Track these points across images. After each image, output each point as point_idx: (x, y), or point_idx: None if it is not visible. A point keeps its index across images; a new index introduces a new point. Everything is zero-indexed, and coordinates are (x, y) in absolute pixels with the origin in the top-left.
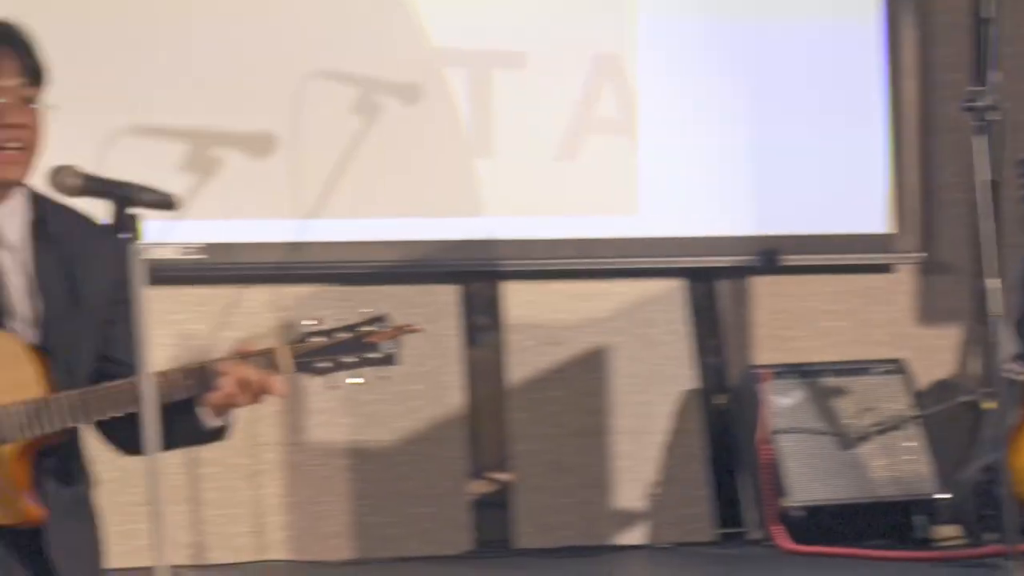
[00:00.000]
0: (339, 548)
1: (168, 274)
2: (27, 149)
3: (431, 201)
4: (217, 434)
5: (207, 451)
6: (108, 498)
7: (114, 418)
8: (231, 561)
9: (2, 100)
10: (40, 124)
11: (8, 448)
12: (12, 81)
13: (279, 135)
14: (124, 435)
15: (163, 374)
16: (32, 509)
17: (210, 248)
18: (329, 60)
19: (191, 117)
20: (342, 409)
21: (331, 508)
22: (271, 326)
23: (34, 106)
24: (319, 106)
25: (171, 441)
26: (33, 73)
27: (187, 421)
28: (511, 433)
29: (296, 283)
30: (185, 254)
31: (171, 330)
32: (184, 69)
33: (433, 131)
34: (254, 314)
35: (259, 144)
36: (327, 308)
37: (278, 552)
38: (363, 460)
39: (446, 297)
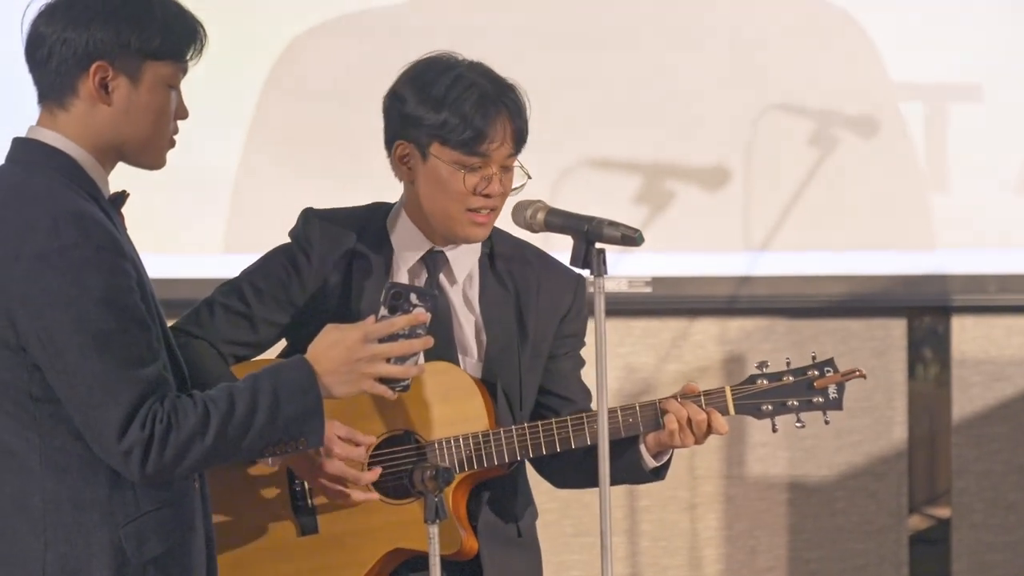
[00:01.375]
0: None
1: (615, 307)
2: (495, 211)
3: (882, 234)
4: (655, 474)
5: (646, 484)
6: (542, 529)
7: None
8: None
9: (491, 170)
10: (509, 187)
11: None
12: (503, 151)
13: (732, 167)
14: (559, 469)
15: (610, 411)
16: (467, 540)
17: (657, 282)
18: (786, 93)
19: (647, 151)
20: (782, 443)
21: (767, 542)
22: (717, 359)
23: (511, 169)
24: (774, 139)
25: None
26: (519, 141)
27: (627, 459)
28: (953, 469)
29: (743, 316)
30: (631, 288)
31: (617, 363)
32: (637, 101)
33: (887, 164)
34: (700, 347)
35: (713, 177)
36: (774, 342)
37: None
38: (801, 494)
39: (894, 331)
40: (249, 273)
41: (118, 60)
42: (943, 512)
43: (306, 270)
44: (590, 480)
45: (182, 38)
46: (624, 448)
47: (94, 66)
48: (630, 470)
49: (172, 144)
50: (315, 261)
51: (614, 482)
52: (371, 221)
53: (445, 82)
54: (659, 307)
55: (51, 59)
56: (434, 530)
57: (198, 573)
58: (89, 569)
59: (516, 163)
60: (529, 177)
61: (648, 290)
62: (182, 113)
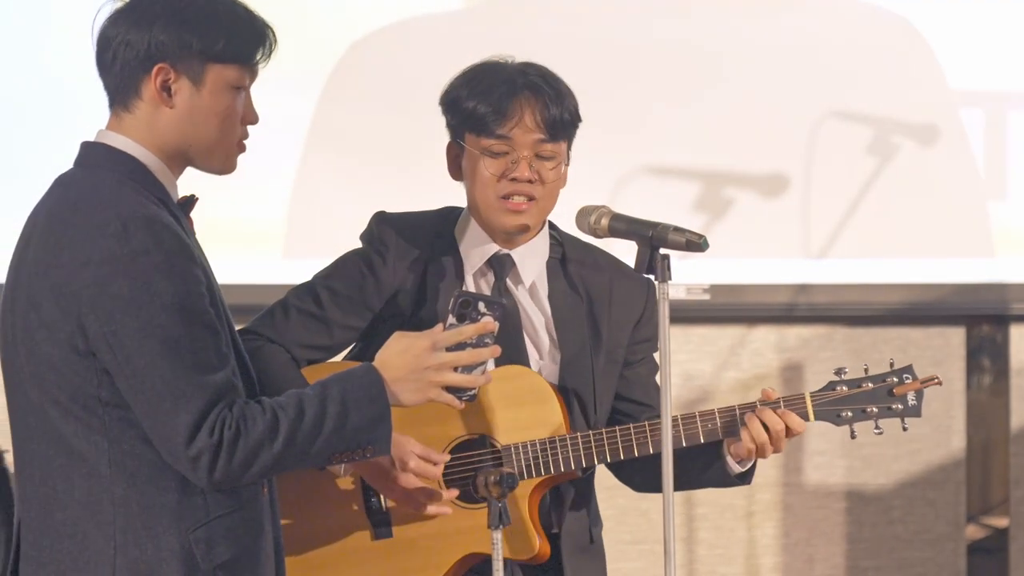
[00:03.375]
0: None
1: (673, 314)
2: (536, 199)
3: (940, 242)
4: (742, 479)
5: (703, 492)
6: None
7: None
8: None
9: (517, 154)
10: (553, 177)
11: (521, 485)
12: (528, 136)
13: (791, 175)
14: (639, 473)
15: (688, 418)
16: (542, 546)
17: (715, 289)
18: (846, 100)
19: (706, 157)
20: (839, 451)
21: (824, 551)
22: (775, 367)
23: (551, 158)
24: (834, 146)
25: (694, 482)
26: (552, 128)
27: (712, 464)
28: (1011, 478)
29: (801, 324)
30: (690, 295)
31: (675, 370)
32: (699, 108)
33: (946, 172)
34: (758, 355)
35: (771, 184)
36: (832, 350)
37: None
38: (858, 503)
39: (952, 340)
40: (324, 276)
41: (180, 62)
42: (1001, 521)
43: (382, 273)
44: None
45: (247, 41)
46: (708, 454)
47: (155, 68)
48: (716, 475)
49: (241, 148)
50: (390, 264)
51: (699, 486)
52: (442, 225)
53: (476, 75)
54: (717, 314)
55: (115, 62)
56: (497, 535)
57: None
58: (159, 573)
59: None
60: (566, 164)
61: (706, 297)
62: (250, 117)
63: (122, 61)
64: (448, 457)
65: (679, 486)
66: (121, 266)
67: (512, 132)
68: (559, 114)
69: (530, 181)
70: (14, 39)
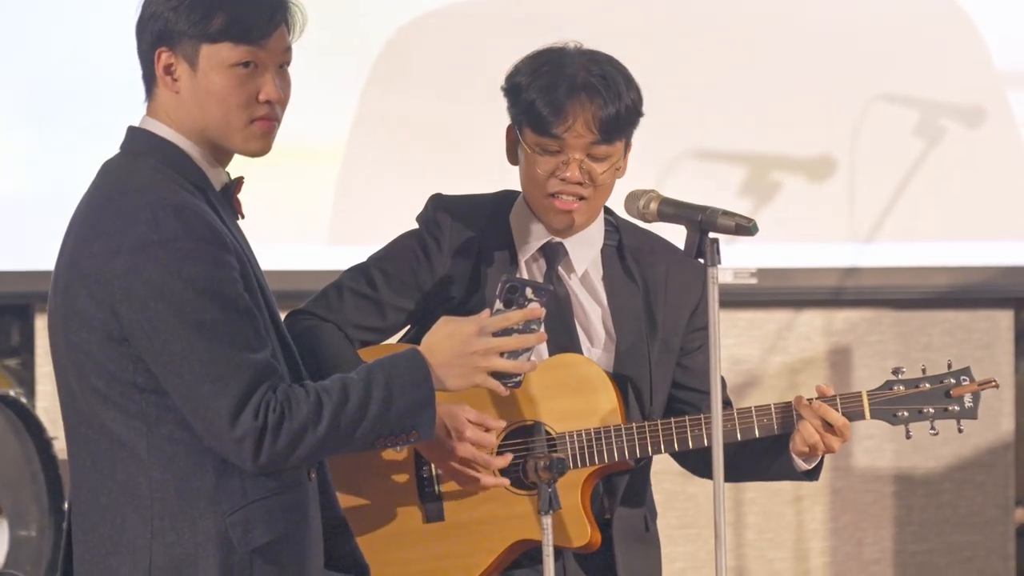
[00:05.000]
0: (880, 575)
1: (720, 298)
2: (585, 200)
3: (988, 225)
4: (809, 475)
5: None
6: None
7: None
8: None
9: (568, 155)
10: (605, 179)
11: (574, 473)
12: (580, 139)
13: (838, 158)
14: (702, 460)
15: (744, 412)
16: (593, 533)
17: (762, 273)
18: (892, 83)
19: (752, 141)
20: (888, 435)
21: (873, 534)
22: (823, 351)
23: (604, 160)
24: (880, 129)
25: (764, 475)
26: (607, 130)
27: (778, 458)
28: None
29: (849, 308)
30: (737, 279)
31: (723, 354)
32: (746, 92)
33: (994, 154)
34: (805, 339)
35: (818, 168)
36: (879, 334)
37: None
38: (907, 486)
39: (1000, 323)
40: (378, 258)
41: (178, 46)
42: None
43: (436, 256)
44: (734, 474)
45: (242, 19)
46: (775, 451)
47: (156, 53)
48: (783, 468)
49: (265, 127)
50: (445, 247)
51: (769, 478)
52: (498, 209)
53: (540, 65)
54: (764, 298)
55: (138, 49)
56: (547, 520)
57: (312, 563)
58: (195, 557)
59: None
60: (624, 156)
61: (753, 281)
62: (269, 94)
63: (139, 48)
64: (503, 424)
65: (749, 477)
66: (152, 253)
67: (564, 134)
68: (614, 114)
69: (579, 183)
70: (72, 22)
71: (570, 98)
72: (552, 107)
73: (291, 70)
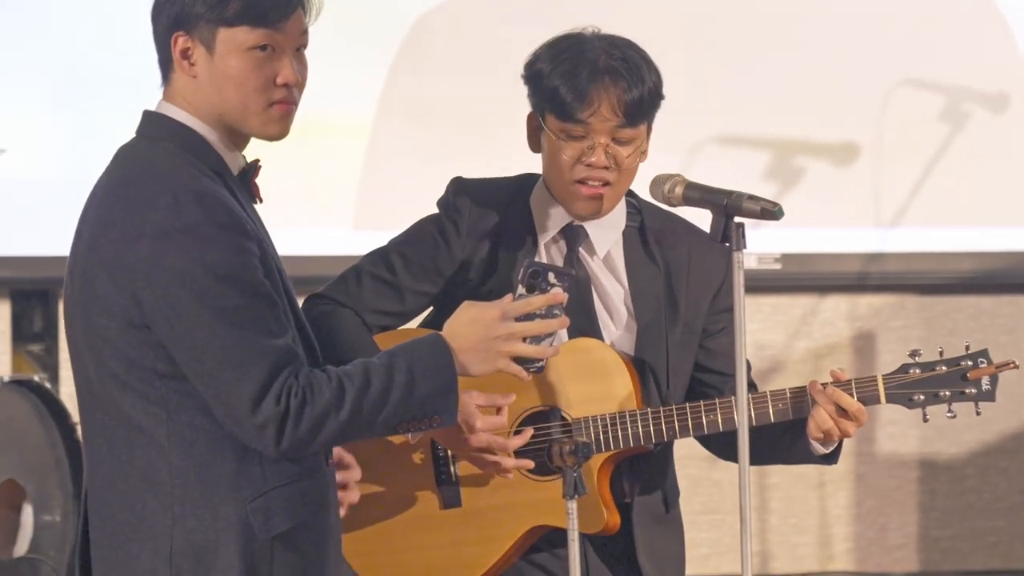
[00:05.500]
0: (904, 561)
1: (745, 283)
2: (610, 186)
3: (1013, 210)
4: (826, 459)
5: None
6: None
7: None
8: (794, 571)
9: (593, 140)
10: (629, 163)
11: (592, 458)
12: (605, 123)
13: (863, 143)
14: (725, 443)
15: (759, 398)
16: (610, 518)
17: (786, 258)
18: (917, 68)
19: (777, 126)
20: (912, 421)
21: (897, 520)
22: (847, 337)
23: (628, 144)
24: (905, 114)
25: (783, 458)
26: (631, 114)
27: (797, 441)
28: None
29: (873, 293)
30: (761, 264)
31: (747, 339)
32: (770, 77)
33: (1018, 140)
34: (829, 324)
35: (843, 153)
36: (904, 319)
37: (842, 563)
38: (931, 472)
39: None
40: (398, 243)
41: (194, 30)
42: None
43: (455, 240)
44: (755, 458)
45: (259, 2)
46: (792, 435)
47: (173, 37)
48: (801, 452)
49: (283, 110)
50: (464, 232)
51: (788, 462)
52: (518, 193)
53: (560, 52)
54: (788, 284)
55: (154, 35)
56: (572, 505)
57: (334, 550)
58: (216, 544)
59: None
60: (643, 154)
61: (778, 266)
62: (287, 77)
63: (155, 33)
64: (513, 397)
65: (769, 460)
66: (174, 239)
67: (590, 119)
68: (638, 97)
69: (605, 167)
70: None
71: (594, 82)
72: (576, 92)
73: (317, 53)
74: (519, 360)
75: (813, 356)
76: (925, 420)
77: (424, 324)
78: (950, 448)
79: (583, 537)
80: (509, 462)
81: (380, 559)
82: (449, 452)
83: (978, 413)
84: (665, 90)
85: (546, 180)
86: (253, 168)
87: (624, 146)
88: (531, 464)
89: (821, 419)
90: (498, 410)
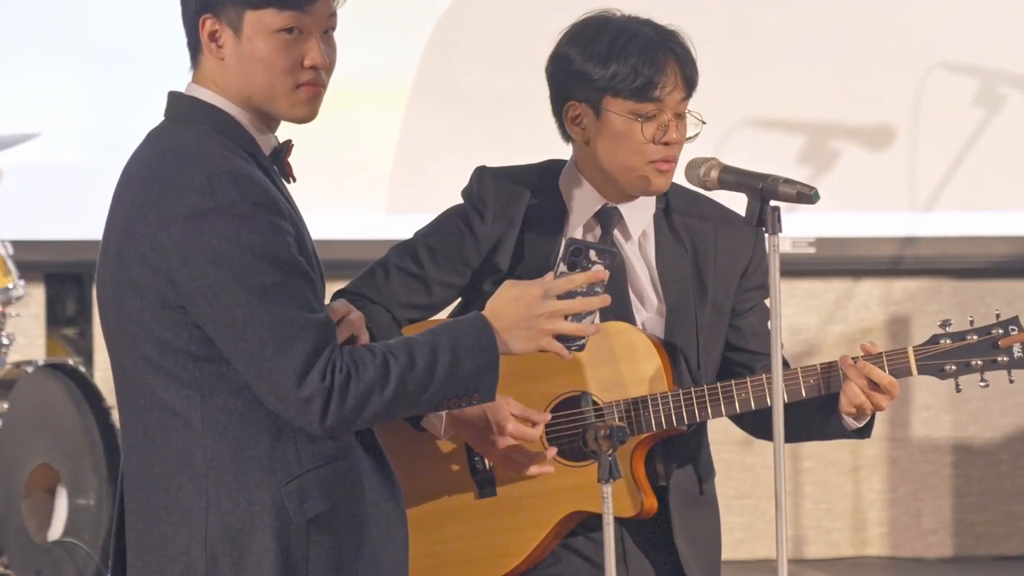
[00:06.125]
0: (938, 545)
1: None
2: (675, 160)
3: None
4: (859, 433)
5: (808, 446)
6: None
7: None
8: (828, 556)
9: (666, 116)
10: (684, 136)
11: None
12: (676, 97)
13: (897, 127)
14: (759, 422)
15: (790, 374)
16: (647, 501)
17: (821, 242)
18: (953, 51)
19: (811, 109)
20: (946, 405)
21: (931, 504)
22: (881, 321)
23: (685, 116)
24: (940, 98)
25: (816, 434)
26: (690, 86)
27: (830, 417)
28: None
29: (908, 277)
30: (795, 248)
31: (781, 324)
32: (805, 60)
33: None
34: (864, 308)
35: (878, 136)
36: (939, 303)
37: (876, 548)
38: (965, 457)
39: None
40: (423, 235)
41: (222, 13)
42: None
43: (480, 229)
44: (791, 435)
45: None
46: (825, 411)
47: (201, 20)
48: (834, 428)
49: (311, 92)
50: (489, 220)
51: (822, 438)
52: (544, 179)
53: (608, 35)
54: (823, 268)
55: (182, 17)
56: (607, 489)
57: (372, 529)
58: (251, 527)
59: (688, 111)
60: (703, 123)
61: (812, 251)
62: (315, 59)
63: (183, 15)
64: (549, 417)
65: (802, 437)
66: (208, 220)
67: (665, 96)
68: (692, 72)
69: (678, 143)
70: None
71: (664, 60)
72: (651, 71)
73: (350, 36)
74: (560, 338)
75: (847, 340)
76: (958, 390)
77: (453, 315)
78: (984, 432)
79: (619, 521)
80: (535, 469)
81: (417, 551)
82: None
83: (1011, 381)
84: (700, 72)
85: (605, 165)
86: (285, 148)
87: (682, 119)
88: (551, 471)
89: (853, 394)
90: (532, 424)
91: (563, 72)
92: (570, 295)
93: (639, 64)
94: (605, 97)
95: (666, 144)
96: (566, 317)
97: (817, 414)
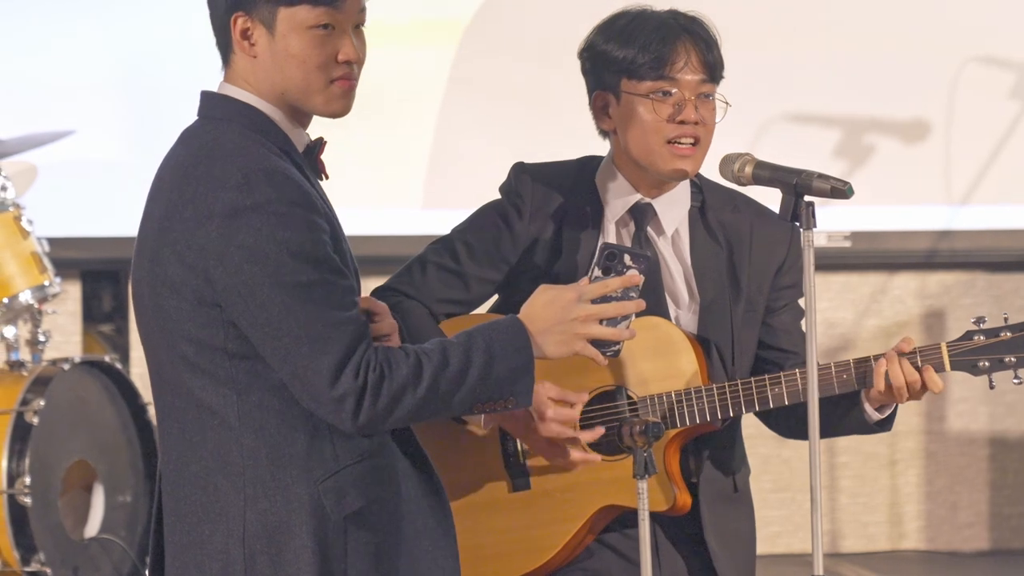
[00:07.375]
0: (974, 538)
1: (815, 261)
2: (698, 145)
3: None
4: (880, 426)
5: (845, 440)
6: None
7: None
8: (864, 550)
9: (682, 95)
10: (712, 120)
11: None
12: (692, 77)
13: (932, 121)
14: (786, 420)
15: (823, 368)
16: (680, 496)
17: (856, 236)
18: (988, 45)
19: (846, 103)
20: (982, 398)
21: (968, 498)
22: (917, 314)
23: (710, 99)
24: (975, 91)
25: (835, 430)
26: (711, 69)
27: (851, 411)
28: None
29: (943, 270)
30: (831, 242)
31: (817, 318)
32: (840, 54)
33: None
34: (899, 302)
35: (913, 130)
36: (974, 296)
37: (913, 541)
38: (1002, 450)
39: None
40: (461, 230)
41: (254, 10)
42: None
43: (518, 225)
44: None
45: None
46: (847, 402)
47: (233, 18)
48: (855, 422)
49: (344, 87)
50: (527, 216)
51: (840, 433)
52: (582, 174)
53: (626, 20)
54: (858, 261)
55: (211, 17)
56: (643, 485)
57: (410, 524)
58: (289, 525)
59: (716, 95)
60: (728, 104)
61: (847, 244)
62: (348, 54)
63: (212, 14)
64: (587, 397)
65: (822, 433)
66: (245, 218)
67: (678, 74)
68: (714, 57)
69: (696, 123)
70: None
71: (676, 39)
72: (659, 50)
73: (384, 30)
74: (595, 343)
75: (883, 334)
76: (991, 387)
77: (491, 311)
78: (1020, 425)
79: (652, 517)
80: (577, 455)
81: None
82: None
83: None
84: (734, 67)
85: (623, 154)
86: (318, 145)
87: (706, 102)
88: (598, 458)
89: (894, 375)
90: (570, 404)
91: (589, 62)
92: (605, 299)
93: (648, 42)
94: (623, 80)
95: (681, 123)
96: (601, 321)
97: (838, 408)
